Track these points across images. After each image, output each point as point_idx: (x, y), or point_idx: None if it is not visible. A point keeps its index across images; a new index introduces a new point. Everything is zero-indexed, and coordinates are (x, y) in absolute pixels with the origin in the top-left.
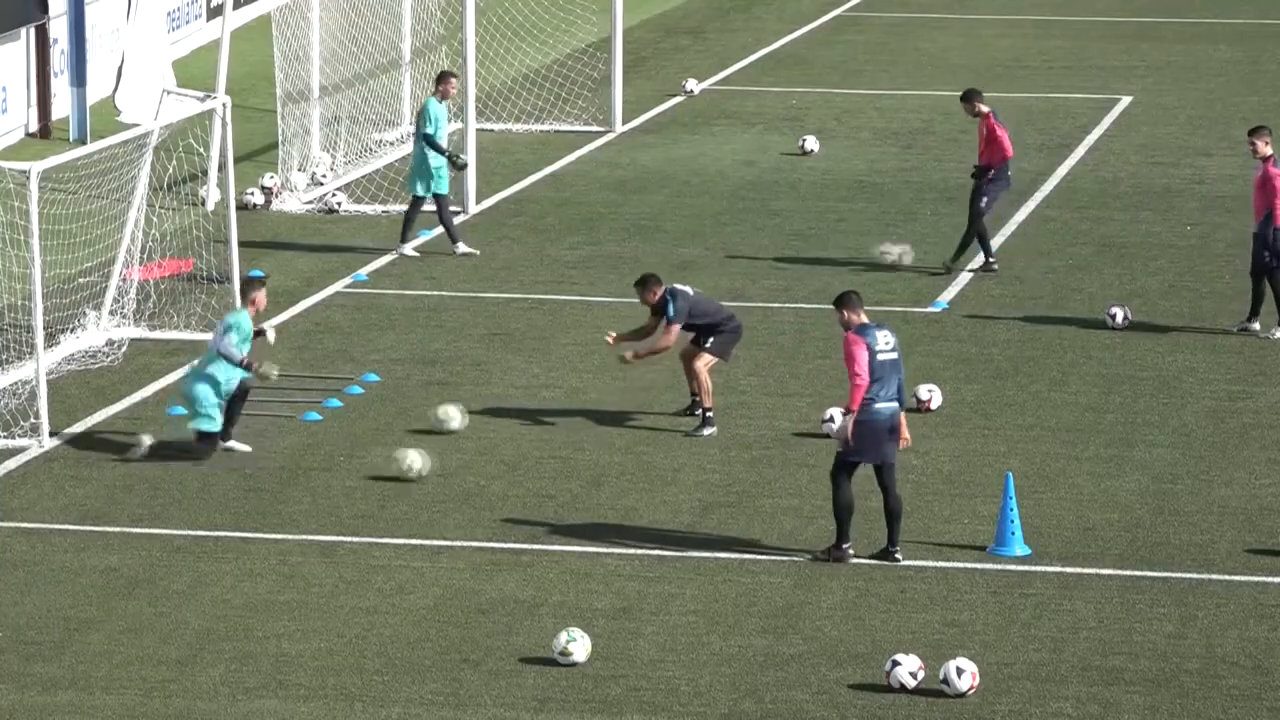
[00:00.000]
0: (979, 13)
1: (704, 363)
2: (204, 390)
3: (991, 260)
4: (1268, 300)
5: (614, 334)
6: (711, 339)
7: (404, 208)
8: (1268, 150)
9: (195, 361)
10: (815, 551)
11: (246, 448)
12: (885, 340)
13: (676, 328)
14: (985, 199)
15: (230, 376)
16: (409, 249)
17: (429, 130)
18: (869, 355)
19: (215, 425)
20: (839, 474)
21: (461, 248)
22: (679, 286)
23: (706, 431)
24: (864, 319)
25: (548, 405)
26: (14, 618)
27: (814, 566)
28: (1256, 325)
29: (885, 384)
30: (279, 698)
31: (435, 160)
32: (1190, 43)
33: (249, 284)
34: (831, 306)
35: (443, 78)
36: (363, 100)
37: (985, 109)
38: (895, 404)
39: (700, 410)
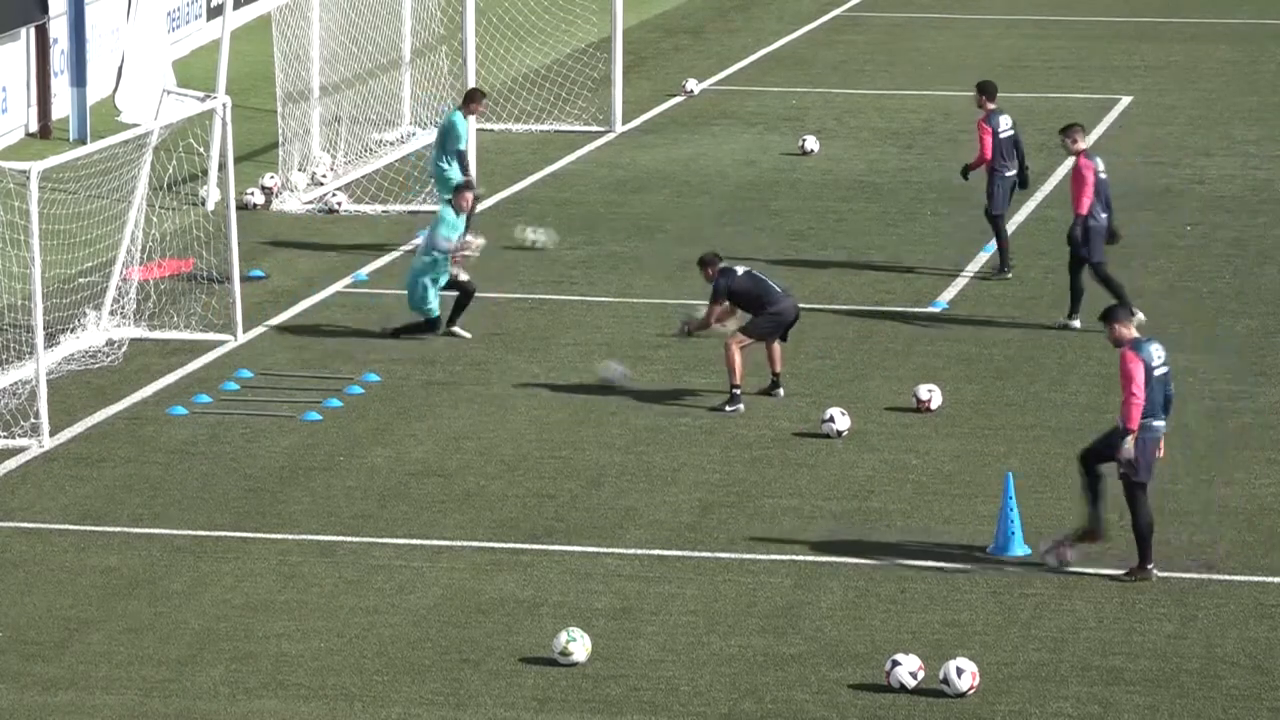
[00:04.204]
0: (979, 13)
1: (735, 340)
2: (421, 284)
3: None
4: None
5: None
6: (751, 320)
7: (405, 208)
8: (1081, 145)
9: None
10: (1121, 575)
11: (467, 334)
12: (1159, 355)
13: (718, 304)
14: (992, 201)
15: (445, 268)
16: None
17: (461, 147)
18: (1146, 372)
19: (435, 311)
20: (1138, 495)
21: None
22: (731, 267)
23: (730, 409)
24: (1135, 333)
25: (548, 405)
26: (14, 618)
27: (814, 566)
28: (1076, 322)
29: (1154, 400)
30: (279, 698)
31: (457, 176)
32: (1190, 43)
33: (460, 187)
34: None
35: (474, 96)
36: (363, 100)
37: (991, 107)
38: (1164, 421)
39: (731, 388)
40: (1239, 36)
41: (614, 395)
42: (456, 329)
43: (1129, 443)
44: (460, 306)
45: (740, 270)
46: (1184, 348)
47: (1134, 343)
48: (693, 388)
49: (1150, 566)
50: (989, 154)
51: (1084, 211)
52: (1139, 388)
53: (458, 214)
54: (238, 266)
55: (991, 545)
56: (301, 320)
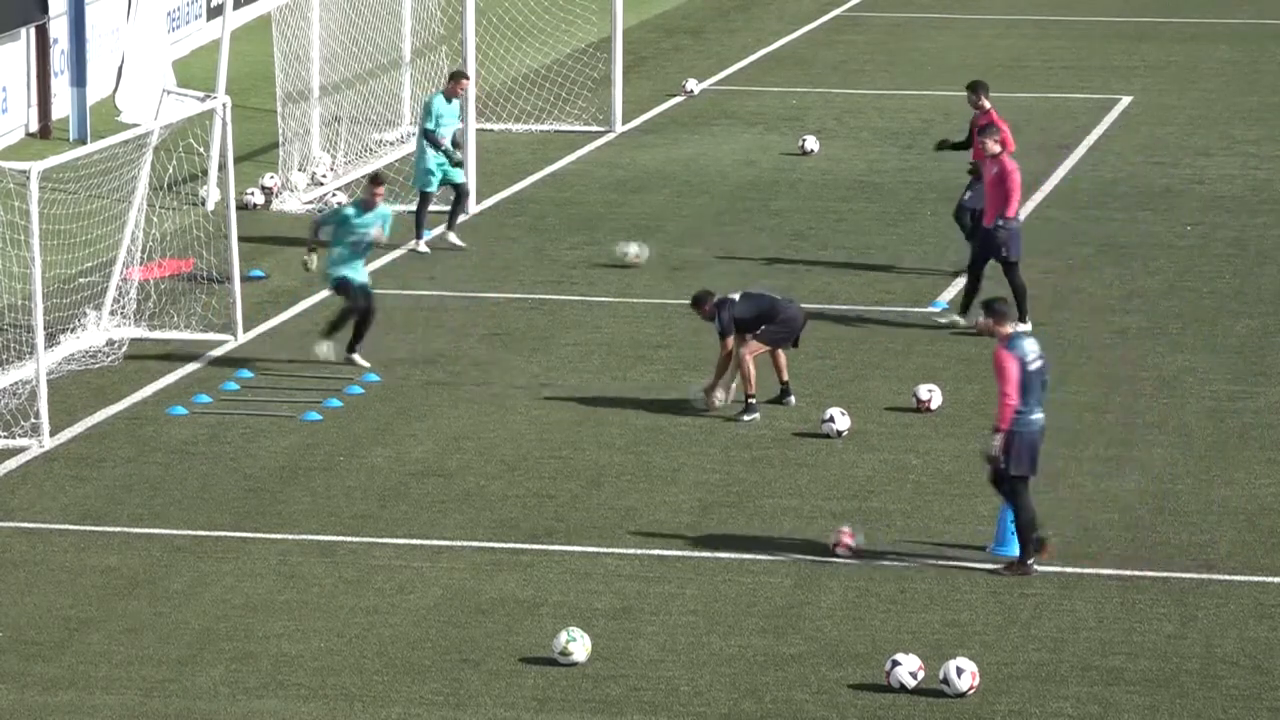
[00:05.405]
0: (979, 13)
1: (749, 349)
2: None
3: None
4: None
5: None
6: (762, 328)
7: (405, 208)
8: (996, 149)
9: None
10: (1000, 569)
11: (366, 363)
12: (1033, 349)
13: (728, 340)
14: (970, 194)
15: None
16: (424, 245)
17: (428, 125)
18: (1020, 368)
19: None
20: (1019, 489)
21: (422, 245)
22: (727, 296)
23: (747, 418)
24: (1012, 329)
25: (548, 405)
26: (14, 618)
27: (814, 566)
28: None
29: (1034, 394)
30: (279, 698)
31: (437, 157)
32: (1190, 43)
33: (372, 179)
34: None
35: (453, 76)
36: (363, 100)
37: (988, 104)
38: (1042, 414)
39: (746, 397)
40: (1239, 36)
41: (614, 395)
42: (355, 357)
43: (998, 440)
44: (358, 332)
45: (736, 296)
46: (1184, 348)
47: (1009, 340)
48: (780, 378)
49: (1030, 563)
50: (1011, 145)
51: (1013, 214)
52: (1013, 388)
53: (363, 212)
54: (238, 266)
55: (991, 545)
56: (302, 320)
